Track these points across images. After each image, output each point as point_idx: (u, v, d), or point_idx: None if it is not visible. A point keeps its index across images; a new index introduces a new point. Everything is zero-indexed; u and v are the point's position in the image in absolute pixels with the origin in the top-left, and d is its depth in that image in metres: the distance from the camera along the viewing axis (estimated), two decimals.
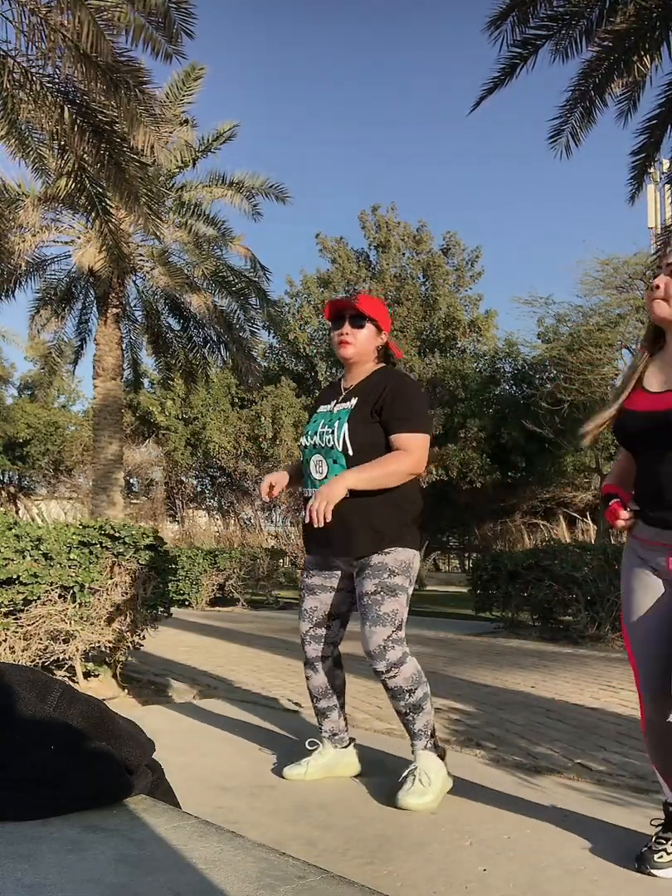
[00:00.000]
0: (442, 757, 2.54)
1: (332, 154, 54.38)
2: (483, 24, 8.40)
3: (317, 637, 2.69)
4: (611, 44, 8.30)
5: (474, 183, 52.73)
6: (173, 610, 4.75)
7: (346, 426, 2.55)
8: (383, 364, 2.72)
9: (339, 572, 2.66)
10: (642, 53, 8.28)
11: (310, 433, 2.68)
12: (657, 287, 1.93)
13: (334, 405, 2.67)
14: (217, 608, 10.58)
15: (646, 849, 2.00)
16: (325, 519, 2.38)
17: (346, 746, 2.77)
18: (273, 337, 21.33)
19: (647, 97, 9.02)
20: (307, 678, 2.74)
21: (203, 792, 2.53)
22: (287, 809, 2.40)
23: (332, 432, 2.58)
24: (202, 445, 21.72)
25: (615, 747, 3.19)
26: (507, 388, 20.48)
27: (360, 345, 2.64)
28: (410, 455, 2.50)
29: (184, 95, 13.67)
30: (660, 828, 2.05)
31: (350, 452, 2.53)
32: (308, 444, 2.67)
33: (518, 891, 1.86)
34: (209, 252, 14.35)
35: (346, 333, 2.63)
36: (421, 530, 2.66)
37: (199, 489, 24.68)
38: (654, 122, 8.89)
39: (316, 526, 2.40)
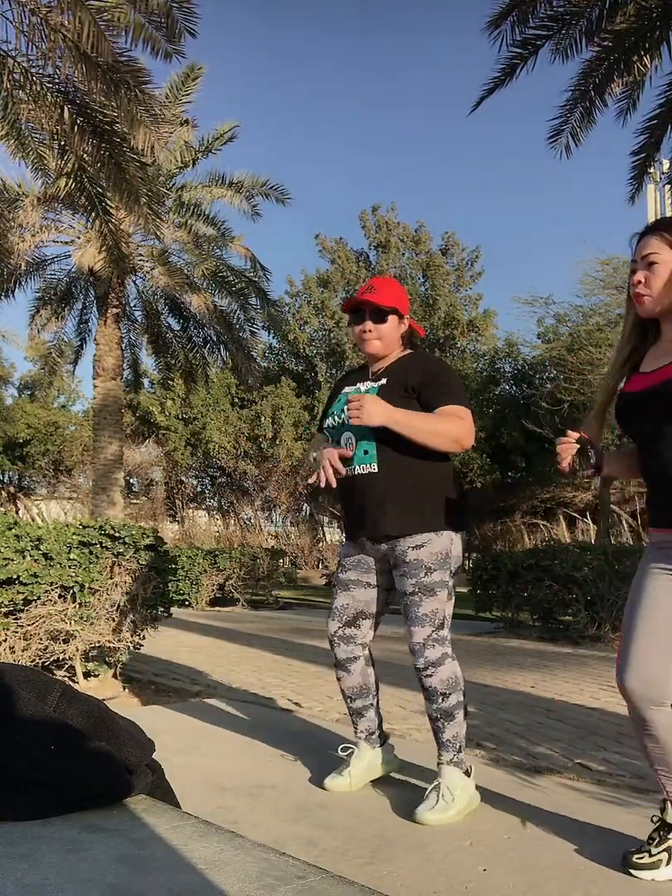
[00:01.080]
0: (468, 774, 2.43)
1: (333, 154, 54.37)
2: (483, 23, 8.41)
3: (346, 638, 2.59)
4: (611, 44, 8.31)
5: (475, 183, 52.70)
6: (173, 610, 4.75)
7: (375, 394, 2.44)
8: (409, 349, 2.63)
9: (374, 568, 2.56)
10: (642, 53, 8.29)
11: (336, 413, 2.56)
12: (639, 282, 1.92)
13: (362, 386, 2.56)
14: (217, 608, 10.58)
15: (632, 849, 1.99)
16: (352, 417, 2.30)
17: (382, 744, 2.70)
18: (273, 337, 21.33)
19: (647, 97, 9.05)
20: (339, 679, 2.64)
21: (203, 792, 2.53)
22: (287, 809, 2.39)
23: None
24: (202, 445, 21.72)
25: (615, 747, 3.19)
26: (507, 388, 20.49)
27: (386, 338, 2.55)
28: (463, 422, 2.39)
29: (183, 95, 13.68)
30: (659, 822, 2.03)
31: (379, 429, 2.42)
32: (335, 423, 2.56)
33: (518, 891, 1.86)
34: (209, 252, 14.36)
35: (369, 330, 2.53)
36: (461, 510, 2.51)
37: (199, 489, 24.68)
38: (655, 122, 8.89)
39: (351, 421, 2.32)
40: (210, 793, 2.54)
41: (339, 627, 2.59)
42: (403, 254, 22.62)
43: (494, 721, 3.67)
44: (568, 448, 1.94)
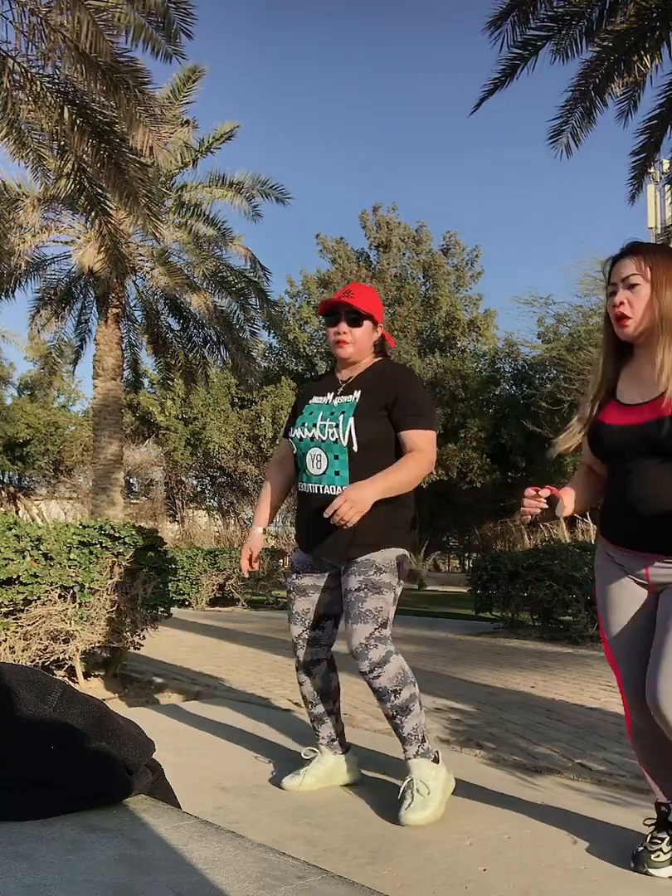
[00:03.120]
0: (436, 761, 2.43)
1: (333, 154, 54.37)
2: (484, 23, 8.40)
3: (310, 640, 2.60)
4: (611, 44, 8.30)
5: (475, 183, 52.72)
6: (173, 610, 4.75)
7: (352, 420, 2.45)
8: (380, 357, 2.64)
9: (328, 572, 2.58)
10: (642, 53, 8.28)
11: (307, 425, 2.56)
12: (621, 303, 1.90)
13: (332, 398, 2.56)
14: (217, 608, 10.58)
15: (641, 848, 1.99)
16: (346, 524, 2.28)
17: (344, 752, 2.68)
18: (273, 337, 21.33)
19: (648, 97, 9.04)
20: (300, 684, 2.65)
21: (203, 792, 2.53)
22: (287, 809, 2.40)
23: (337, 426, 2.46)
24: (202, 445, 21.72)
25: (615, 747, 3.19)
26: (507, 388, 20.49)
27: (359, 343, 2.56)
28: (425, 455, 2.44)
29: (184, 96, 13.68)
30: (653, 827, 2.04)
31: (355, 448, 2.43)
32: (305, 436, 2.55)
33: (518, 891, 1.86)
34: (209, 252, 14.36)
35: (344, 332, 2.54)
36: (412, 531, 2.58)
37: (199, 489, 24.68)
38: (655, 122, 8.89)
39: (340, 527, 2.31)
40: (210, 793, 2.54)
41: (303, 630, 2.60)
42: (404, 254, 22.62)
43: (494, 721, 3.67)
44: (535, 506, 1.93)
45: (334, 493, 2.43)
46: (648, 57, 8.33)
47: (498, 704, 4.07)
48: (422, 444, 2.45)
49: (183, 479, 23.31)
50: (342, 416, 2.47)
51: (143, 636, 4.31)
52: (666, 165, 11.15)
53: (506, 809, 2.43)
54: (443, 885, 1.87)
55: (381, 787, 2.61)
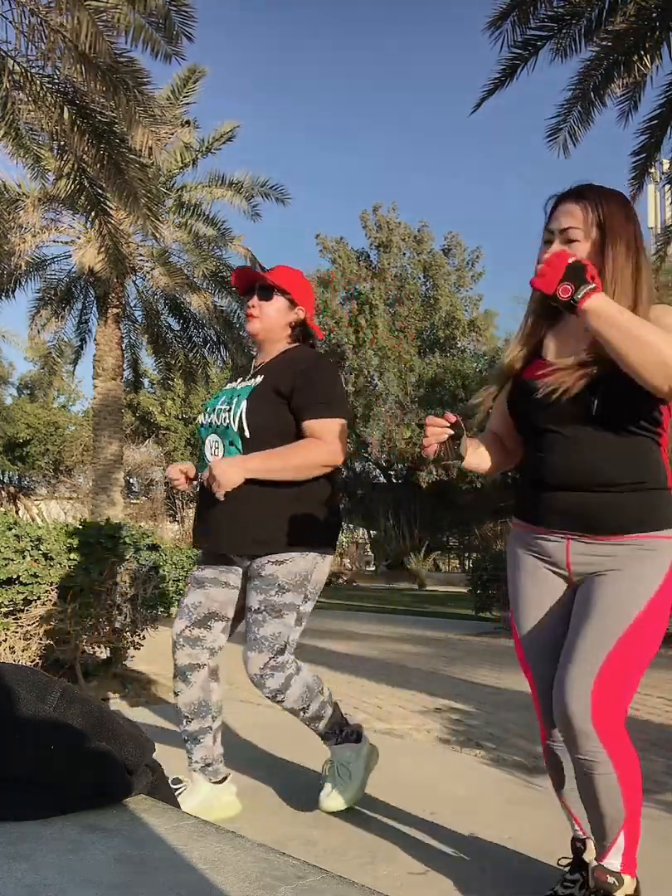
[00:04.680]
0: (357, 739, 2.34)
1: (333, 154, 54.42)
2: (484, 23, 8.41)
3: (193, 640, 2.29)
4: (611, 44, 8.31)
5: (476, 182, 52.76)
6: (173, 610, 4.75)
7: (244, 403, 2.22)
8: (299, 343, 2.42)
9: (233, 570, 2.32)
10: (642, 53, 8.29)
11: (208, 410, 2.36)
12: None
13: (240, 382, 2.36)
14: None
15: (550, 893, 1.73)
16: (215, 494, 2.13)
17: (220, 780, 2.32)
18: None
19: (648, 97, 9.04)
20: (176, 693, 2.31)
21: None
22: (287, 809, 2.40)
23: (230, 410, 2.25)
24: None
25: None
26: None
27: (267, 319, 2.34)
28: (325, 444, 2.18)
29: (184, 96, 13.70)
30: (567, 867, 1.77)
31: (246, 434, 2.20)
32: (205, 422, 2.34)
33: (518, 891, 1.86)
34: (209, 252, 14.37)
35: (253, 306, 2.34)
36: (333, 528, 2.31)
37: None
38: (655, 122, 8.90)
39: (216, 493, 2.14)
40: None
41: (186, 627, 2.30)
42: (404, 253, 22.63)
43: (494, 721, 3.67)
44: (438, 434, 1.62)
45: None
46: (648, 57, 8.34)
47: (498, 704, 4.07)
48: (323, 433, 2.19)
49: None
50: (237, 399, 2.26)
51: (143, 636, 4.31)
52: (666, 165, 11.14)
53: (506, 810, 2.43)
54: (443, 886, 1.87)
55: (381, 788, 2.61)
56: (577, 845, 1.76)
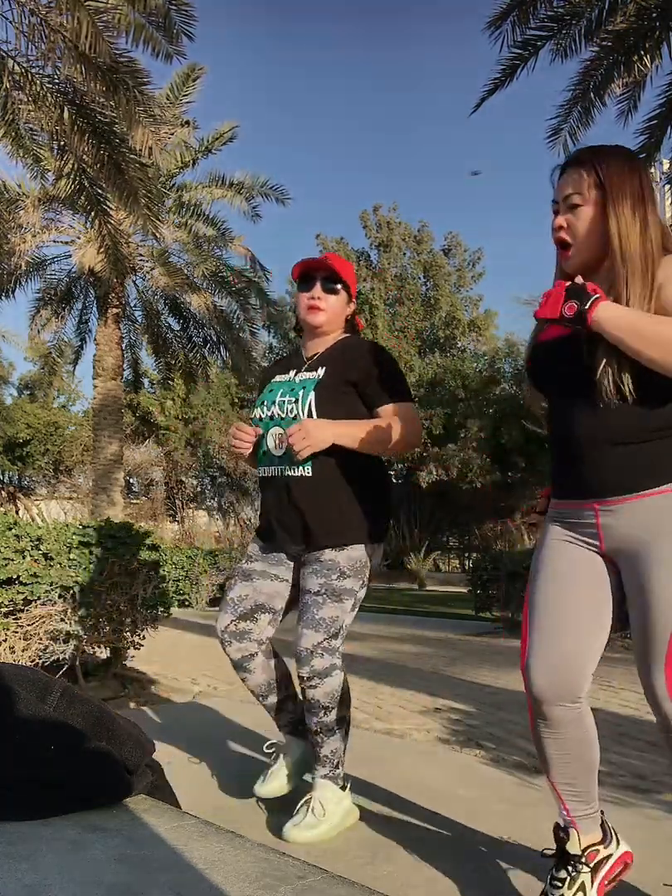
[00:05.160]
0: (344, 788, 2.28)
1: (333, 154, 54.43)
2: (484, 23, 8.41)
3: (239, 634, 2.32)
4: (611, 44, 8.31)
5: (476, 182, 52.73)
6: (173, 610, 4.76)
7: (312, 394, 2.22)
8: (349, 334, 2.44)
9: (285, 563, 2.36)
10: (642, 53, 8.29)
11: (266, 403, 2.33)
12: (560, 227, 1.61)
13: (295, 375, 2.34)
14: (217, 608, 10.57)
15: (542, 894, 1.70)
16: (298, 456, 2.13)
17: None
18: (273, 337, 21.35)
19: (648, 97, 9.05)
20: (243, 680, 2.39)
21: (203, 792, 2.53)
22: (287, 809, 2.39)
23: (297, 401, 2.24)
24: (202, 445, 21.73)
25: (615, 747, 3.19)
26: (507, 388, 20.48)
27: (332, 311, 2.35)
28: (406, 423, 2.22)
29: (184, 96, 13.68)
30: (553, 863, 1.71)
31: None
32: (264, 415, 2.31)
33: (518, 891, 1.86)
34: (209, 252, 14.37)
35: (318, 298, 2.33)
36: (387, 518, 2.36)
37: (199, 489, 24.69)
38: (655, 122, 8.89)
39: (295, 455, 2.13)
40: (210, 793, 2.54)
41: (231, 621, 2.32)
42: (404, 253, 22.63)
43: (494, 721, 3.67)
44: (540, 519, 1.82)
45: (296, 475, 2.22)
46: (648, 57, 8.34)
47: (498, 704, 4.07)
48: (403, 415, 2.24)
49: (183, 479, 23.31)
50: (302, 391, 2.25)
51: (143, 636, 4.31)
52: (666, 165, 11.13)
53: (506, 810, 2.43)
54: (443, 885, 1.87)
55: (381, 788, 2.61)
56: (560, 835, 1.70)
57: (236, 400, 22.04)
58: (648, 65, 8.45)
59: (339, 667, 2.20)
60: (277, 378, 2.40)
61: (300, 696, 2.26)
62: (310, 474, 2.21)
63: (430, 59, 48.84)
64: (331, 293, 2.35)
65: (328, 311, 2.35)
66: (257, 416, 2.36)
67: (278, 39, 54.37)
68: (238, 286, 14.62)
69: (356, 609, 2.27)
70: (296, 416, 2.23)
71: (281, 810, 2.38)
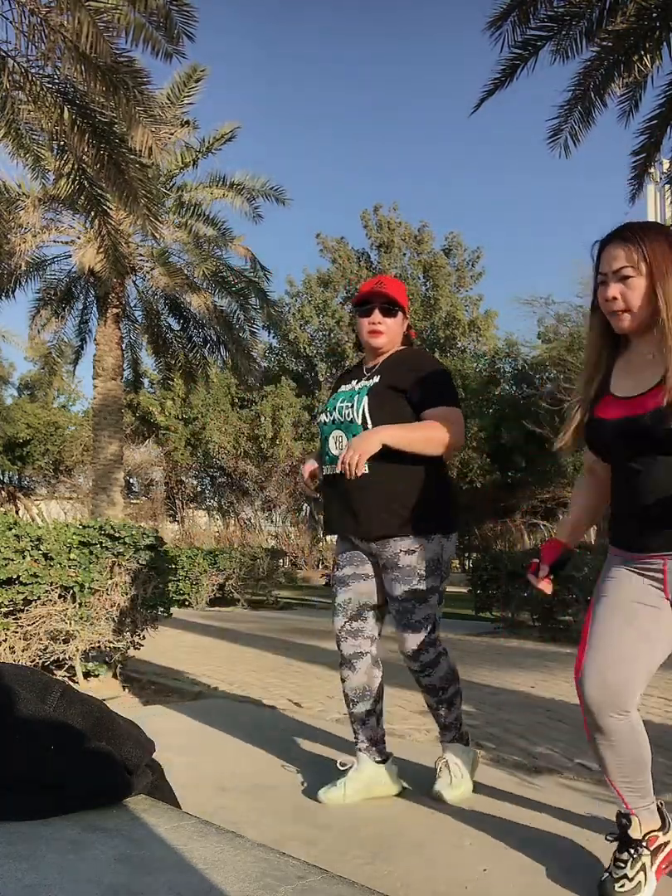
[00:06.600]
0: (466, 743, 2.59)
1: (333, 154, 54.39)
2: (484, 23, 8.40)
3: (353, 632, 2.56)
4: (611, 44, 8.31)
5: (477, 182, 52.70)
6: (173, 610, 4.75)
7: (366, 399, 2.46)
8: (404, 346, 2.68)
9: (369, 562, 2.55)
10: (643, 53, 8.29)
11: (329, 409, 2.60)
12: (614, 298, 1.76)
13: (355, 384, 2.59)
14: (217, 608, 10.58)
15: (606, 876, 1.80)
16: (356, 471, 2.30)
17: (383, 761, 2.56)
18: (273, 337, 21.31)
19: (648, 97, 9.04)
20: (343, 680, 2.59)
21: (203, 792, 2.53)
22: (287, 809, 2.39)
23: (352, 406, 2.49)
24: (202, 445, 21.74)
25: None
26: (507, 388, 20.50)
27: (391, 333, 2.58)
28: (451, 425, 2.41)
29: (184, 97, 13.67)
30: (615, 847, 1.83)
31: (368, 425, 2.43)
32: (327, 420, 2.58)
33: (518, 891, 1.86)
34: (209, 252, 14.36)
35: (379, 323, 2.56)
36: (450, 509, 2.53)
37: (199, 489, 24.70)
38: (655, 122, 8.90)
39: (348, 477, 2.32)
40: (210, 793, 2.54)
41: (345, 622, 2.57)
42: (404, 254, 22.64)
43: (494, 721, 3.67)
44: (545, 583, 1.97)
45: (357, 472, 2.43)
46: (648, 57, 8.33)
47: (498, 704, 4.07)
48: (450, 417, 2.43)
49: (183, 479, 23.32)
50: (357, 396, 2.50)
51: (143, 636, 4.31)
52: (666, 165, 11.14)
53: (506, 809, 2.43)
54: (443, 886, 1.87)
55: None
56: (623, 821, 1.84)
57: (236, 400, 22.04)
58: (649, 65, 8.45)
59: (444, 653, 2.50)
60: (342, 388, 2.65)
61: (416, 684, 2.53)
62: (367, 471, 2.40)
63: (431, 59, 48.83)
64: (388, 316, 2.58)
65: (388, 334, 2.58)
66: (322, 421, 2.64)
67: (278, 39, 54.36)
68: (238, 286, 14.62)
69: (443, 599, 2.53)
70: (352, 419, 2.48)
71: (282, 811, 2.38)
